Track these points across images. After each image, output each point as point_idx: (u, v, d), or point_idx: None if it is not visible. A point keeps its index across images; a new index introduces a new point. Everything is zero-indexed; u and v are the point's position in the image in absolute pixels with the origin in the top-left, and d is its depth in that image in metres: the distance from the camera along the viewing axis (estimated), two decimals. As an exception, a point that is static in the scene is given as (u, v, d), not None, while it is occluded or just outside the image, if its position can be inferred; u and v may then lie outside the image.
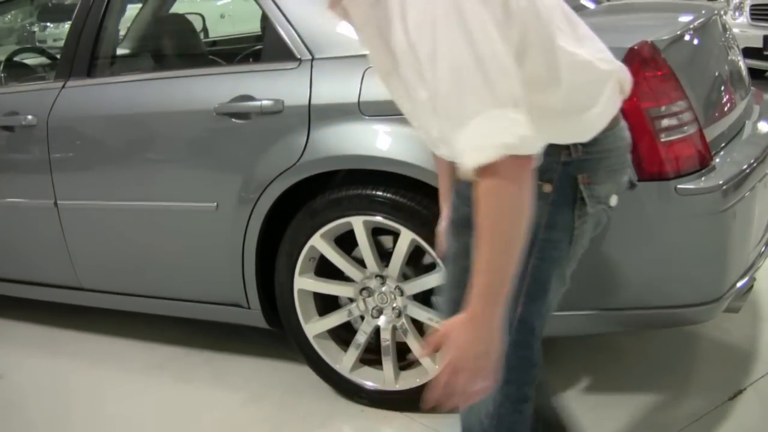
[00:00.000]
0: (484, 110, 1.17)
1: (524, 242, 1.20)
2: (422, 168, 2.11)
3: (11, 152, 2.97)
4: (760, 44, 6.66)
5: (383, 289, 2.35)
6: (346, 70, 2.25)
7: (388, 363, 2.37)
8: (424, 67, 1.23)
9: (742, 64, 2.67)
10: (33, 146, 2.83)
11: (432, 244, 2.18)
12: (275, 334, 2.69)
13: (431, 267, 2.29)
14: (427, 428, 2.33)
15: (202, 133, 2.48)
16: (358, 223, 2.27)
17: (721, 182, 1.98)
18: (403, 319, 2.34)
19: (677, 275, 2.04)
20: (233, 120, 2.38)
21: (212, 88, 2.48)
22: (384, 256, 2.33)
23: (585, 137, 1.38)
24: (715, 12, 2.52)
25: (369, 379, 2.44)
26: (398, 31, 1.26)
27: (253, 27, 3.66)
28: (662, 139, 1.94)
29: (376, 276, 2.34)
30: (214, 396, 2.64)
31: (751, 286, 2.21)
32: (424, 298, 2.36)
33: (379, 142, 2.19)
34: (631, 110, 1.79)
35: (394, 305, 2.35)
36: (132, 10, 3.55)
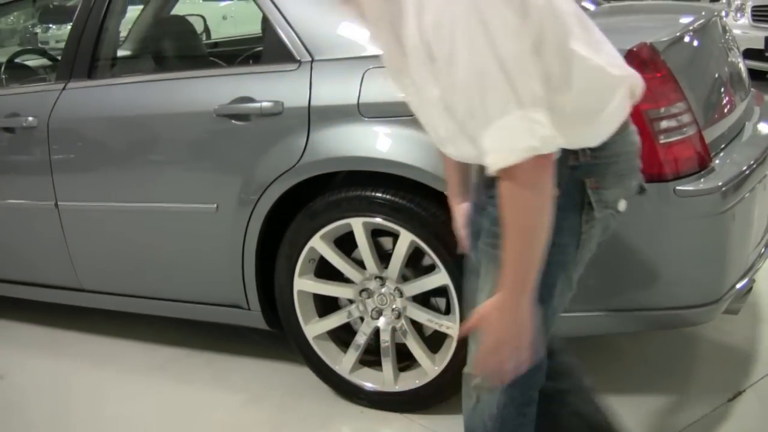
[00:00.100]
0: (505, 112, 1.20)
1: (548, 234, 1.27)
2: (421, 170, 2.11)
3: (12, 154, 2.97)
4: (761, 45, 6.65)
5: (383, 290, 2.35)
6: (345, 72, 2.26)
7: (388, 364, 2.38)
8: (441, 66, 1.24)
9: (742, 65, 2.66)
10: (34, 148, 2.83)
11: (431, 245, 2.19)
12: (275, 336, 2.69)
13: (430, 268, 2.29)
14: (426, 429, 2.34)
15: (202, 134, 2.49)
16: (357, 225, 2.28)
17: (720, 184, 1.98)
18: (403, 321, 2.34)
19: (676, 277, 2.04)
20: (233, 121, 2.39)
21: (212, 89, 2.48)
22: (383, 257, 2.34)
23: (593, 141, 1.38)
24: (715, 14, 2.52)
25: (368, 381, 2.44)
26: (411, 27, 1.26)
27: (255, 29, 3.66)
28: (661, 141, 1.94)
29: (376, 277, 2.34)
30: (214, 397, 2.64)
31: (751, 288, 2.21)
32: (424, 300, 2.37)
33: (378, 143, 2.19)
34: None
35: (394, 306, 2.35)
36: (133, 11, 3.56)
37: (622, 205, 1.47)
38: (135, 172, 2.66)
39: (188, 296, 2.73)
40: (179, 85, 2.59)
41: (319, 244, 2.34)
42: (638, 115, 1.90)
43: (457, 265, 2.16)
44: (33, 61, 4.06)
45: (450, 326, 2.25)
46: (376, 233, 2.34)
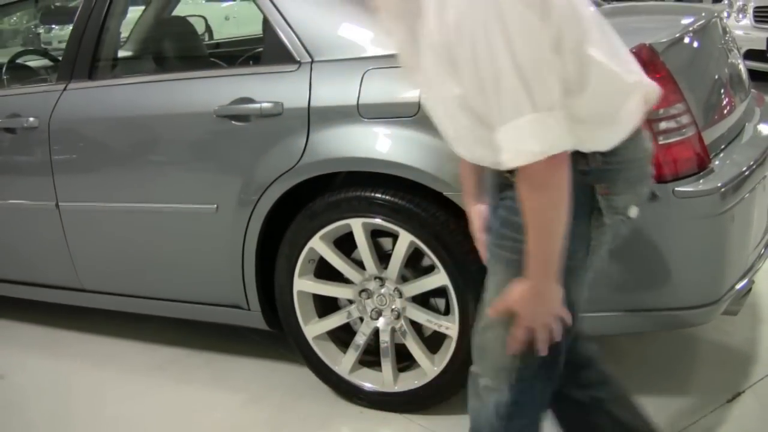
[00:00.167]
0: (519, 114, 1.22)
1: (567, 226, 1.32)
2: (421, 170, 2.12)
3: (13, 154, 2.98)
4: (763, 46, 6.65)
5: (382, 290, 2.35)
6: (345, 73, 2.26)
7: (387, 365, 2.38)
8: (460, 65, 1.25)
9: (742, 66, 2.66)
10: (35, 148, 2.84)
11: (430, 245, 2.19)
12: (275, 336, 2.70)
13: (430, 269, 2.29)
14: (425, 429, 2.34)
15: (203, 135, 2.49)
16: (357, 225, 2.28)
17: (719, 185, 1.98)
18: (402, 321, 2.34)
19: (675, 277, 2.04)
20: (233, 122, 2.39)
21: (212, 90, 2.48)
22: (383, 258, 2.34)
23: (605, 146, 1.38)
24: (715, 15, 2.52)
25: (368, 381, 2.44)
26: (431, 25, 1.27)
27: (257, 29, 3.67)
28: (660, 142, 1.94)
29: (375, 278, 2.35)
30: (214, 397, 2.65)
31: (750, 289, 2.21)
32: (423, 300, 2.37)
33: (378, 144, 2.19)
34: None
35: (393, 307, 2.35)
36: (134, 12, 3.57)
37: (633, 211, 1.47)
38: (135, 173, 2.66)
39: (188, 296, 2.73)
40: (179, 86, 2.59)
41: (318, 245, 2.35)
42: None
43: (456, 266, 2.17)
44: (34, 62, 4.07)
45: (449, 327, 2.25)
46: (375, 234, 2.35)
